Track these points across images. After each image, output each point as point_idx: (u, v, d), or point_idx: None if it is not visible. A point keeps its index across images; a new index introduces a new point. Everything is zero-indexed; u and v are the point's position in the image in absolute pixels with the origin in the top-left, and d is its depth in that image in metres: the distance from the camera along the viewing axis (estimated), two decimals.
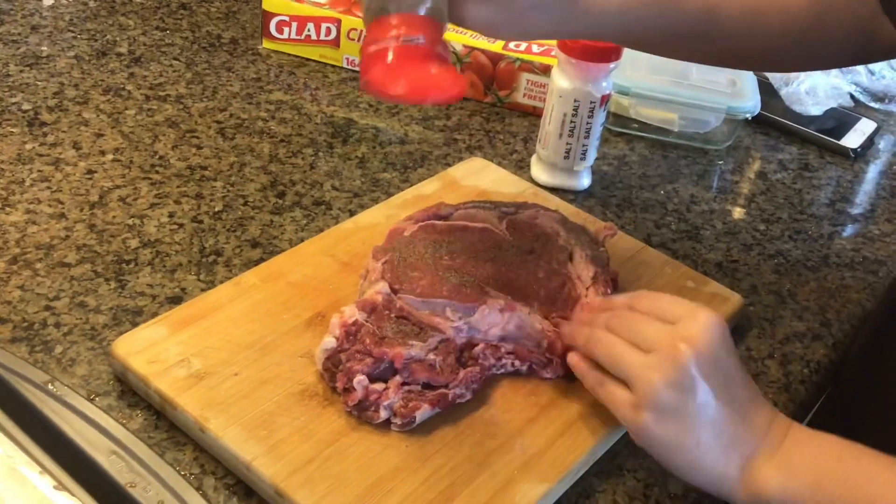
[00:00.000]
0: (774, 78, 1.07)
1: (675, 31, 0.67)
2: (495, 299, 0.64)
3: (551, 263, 0.69)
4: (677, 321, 0.57)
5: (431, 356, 0.61)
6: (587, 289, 0.68)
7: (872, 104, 1.12)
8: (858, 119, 1.07)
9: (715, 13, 0.66)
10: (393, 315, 0.62)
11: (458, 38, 0.97)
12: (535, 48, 0.97)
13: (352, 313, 0.61)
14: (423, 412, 0.59)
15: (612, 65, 0.81)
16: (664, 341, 0.56)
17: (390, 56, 0.54)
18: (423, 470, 0.57)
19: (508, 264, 0.68)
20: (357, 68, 1.00)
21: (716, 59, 0.73)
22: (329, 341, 0.60)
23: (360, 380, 0.58)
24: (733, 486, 0.55)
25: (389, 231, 0.71)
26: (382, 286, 0.64)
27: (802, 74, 1.06)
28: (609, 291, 0.68)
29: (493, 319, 0.63)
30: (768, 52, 0.71)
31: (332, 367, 0.60)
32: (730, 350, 0.57)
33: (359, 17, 0.98)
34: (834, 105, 1.07)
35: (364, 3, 0.57)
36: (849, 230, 0.91)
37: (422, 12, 0.55)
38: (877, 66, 1.13)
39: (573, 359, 0.62)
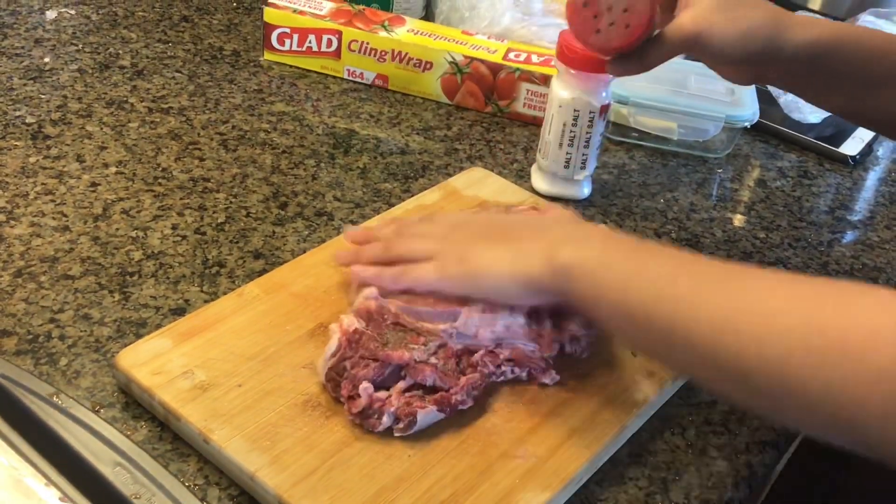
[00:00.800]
0: (772, 86, 1.07)
1: (842, 82, 0.72)
2: (476, 303, 0.65)
3: None
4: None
5: (433, 359, 0.62)
6: None
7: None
8: (857, 127, 1.07)
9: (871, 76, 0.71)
10: (389, 321, 0.63)
11: (457, 48, 0.98)
12: (534, 58, 0.98)
13: (350, 322, 0.62)
14: (426, 413, 0.59)
15: (611, 75, 0.81)
16: (448, 218, 0.69)
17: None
18: (426, 479, 0.57)
19: None
20: (358, 79, 1.01)
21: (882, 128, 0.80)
22: (332, 347, 0.61)
23: (365, 387, 0.59)
24: (541, 277, 0.60)
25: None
26: (371, 291, 0.64)
27: None
28: None
29: (476, 323, 0.64)
30: None
31: (336, 376, 0.60)
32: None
33: (360, 28, 0.99)
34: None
35: None
36: (848, 237, 0.91)
37: None
38: None
39: (357, 268, 0.66)
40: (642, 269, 0.57)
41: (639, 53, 0.70)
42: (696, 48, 0.69)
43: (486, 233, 0.65)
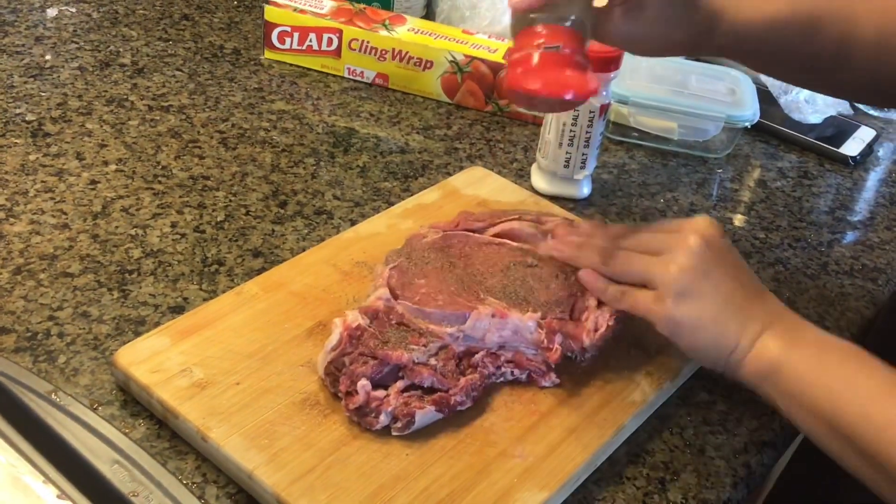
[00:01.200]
0: (773, 86, 1.07)
1: (812, 54, 0.68)
2: (486, 306, 0.65)
3: (568, 276, 0.69)
4: (677, 231, 0.63)
5: (433, 361, 0.62)
6: (601, 305, 0.67)
7: (871, 112, 1.12)
8: (857, 127, 1.07)
9: (848, 43, 0.67)
10: (393, 321, 0.63)
11: (457, 47, 0.97)
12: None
13: (354, 318, 0.62)
14: (424, 413, 0.59)
15: (611, 74, 0.81)
16: (672, 241, 0.62)
17: (534, 59, 0.61)
18: (424, 478, 0.57)
19: (520, 275, 0.68)
20: (358, 78, 1.01)
21: (850, 90, 0.76)
22: (332, 341, 0.61)
23: (363, 384, 0.59)
24: (743, 359, 0.60)
25: (409, 236, 0.72)
26: (383, 292, 0.64)
27: None
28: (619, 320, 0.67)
29: (484, 326, 0.64)
30: None
31: (335, 370, 0.60)
32: (731, 245, 0.64)
33: (360, 27, 0.99)
34: (833, 113, 1.07)
35: (512, 18, 0.63)
36: (848, 238, 0.91)
37: (566, 24, 0.62)
38: None
39: (588, 276, 0.66)
40: (852, 382, 0.57)
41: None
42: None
43: (712, 273, 0.61)
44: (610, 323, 0.65)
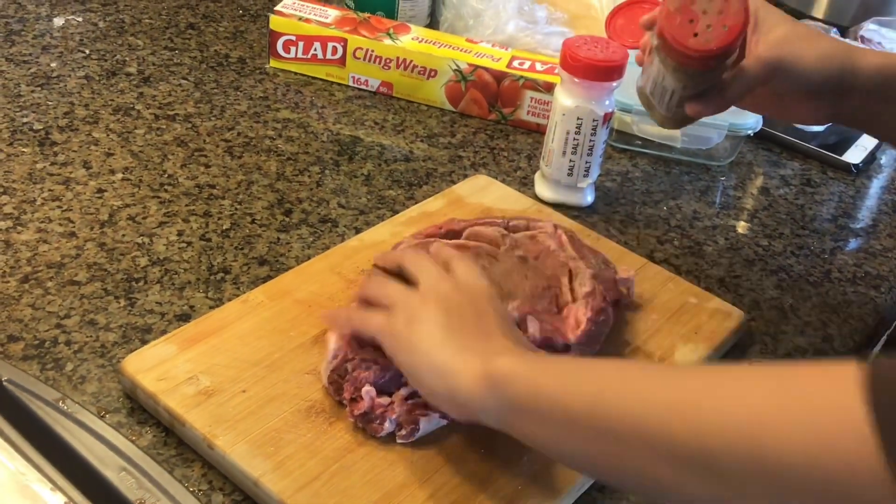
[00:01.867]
0: None
1: None
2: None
3: (544, 271, 0.70)
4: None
5: None
6: (577, 300, 0.68)
7: None
8: (860, 135, 1.07)
9: None
10: None
11: (461, 56, 0.98)
12: (538, 66, 0.98)
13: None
14: (428, 421, 0.59)
15: (614, 83, 0.82)
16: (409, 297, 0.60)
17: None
18: (429, 486, 0.57)
19: (498, 273, 0.69)
20: (363, 87, 1.02)
21: None
22: (332, 349, 0.61)
23: (367, 390, 0.59)
24: (466, 379, 0.54)
25: (394, 246, 0.72)
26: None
27: None
28: (606, 308, 0.68)
29: None
30: None
31: (339, 378, 0.61)
32: (477, 293, 0.60)
33: (365, 36, 0.99)
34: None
35: None
36: (851, 245, 0.92)
37: None
38: None
39: (324, 313, 0.66)
40: (584, 369, 0.53)
41: (719, 89, 0.70)
42: (778, 74, 0.69)
43: (451, 308, 0.58)
44: (588, 315, 0.66)
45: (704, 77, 0.69)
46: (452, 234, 0.73)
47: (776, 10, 0.72)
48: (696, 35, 0.66)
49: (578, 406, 0.49)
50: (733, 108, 0.97)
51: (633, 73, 0.83)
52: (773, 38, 0.70)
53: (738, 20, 0.66)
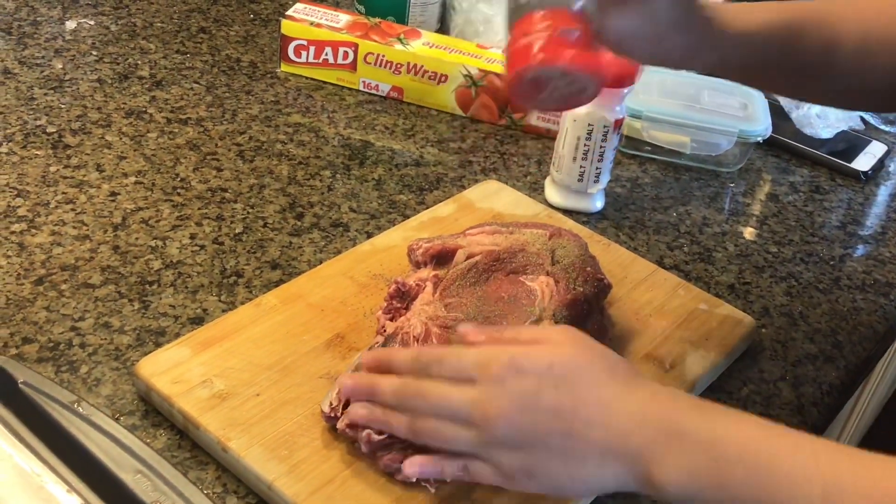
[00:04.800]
0: (785, 101, 1.08)
1: (796, 65, 0.68)
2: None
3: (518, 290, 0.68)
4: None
5: None
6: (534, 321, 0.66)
7: (883, 127, 1.13)
8: (869, 142, 1.08)
9: (833, 49, 0.67)
10: None
11: (472, 62, 0.98)
12: None
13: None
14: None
15: (625, 90, 0.82)
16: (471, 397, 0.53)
17: (546, 41, 0.53)
18: (441, 490, 0.58)
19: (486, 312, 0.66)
20: (373, 91, 1.02)
21: (835, 98, 0.75)
22: (332, 400, 0.60)
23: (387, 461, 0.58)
24: (633, 482, 0.51)
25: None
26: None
27: None
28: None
29: None
30: (884, 91, 0.71)
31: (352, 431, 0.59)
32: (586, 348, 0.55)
33: (376, 41, 1.00)
34: (844, 128, 1.08)
35: (509, 6, 0.57)
36: (860, 252, 0.92)
37: (575, 7, 0.54)
38: None
39: (412, 464, 0.55)
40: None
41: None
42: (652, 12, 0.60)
43: (539, 430, 0.51)
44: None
45: None
46: (444, 253, 0.71)
47: None
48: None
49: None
50: (743, 115, 0.97)
51: (642, 79, 0.83)
52: None
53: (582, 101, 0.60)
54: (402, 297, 0.67)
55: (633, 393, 0.52)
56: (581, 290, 0.67)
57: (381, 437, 0.56)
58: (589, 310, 0.68)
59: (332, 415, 0.59)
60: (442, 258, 0.71)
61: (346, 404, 0.59)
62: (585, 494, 0.57)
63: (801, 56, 0.67)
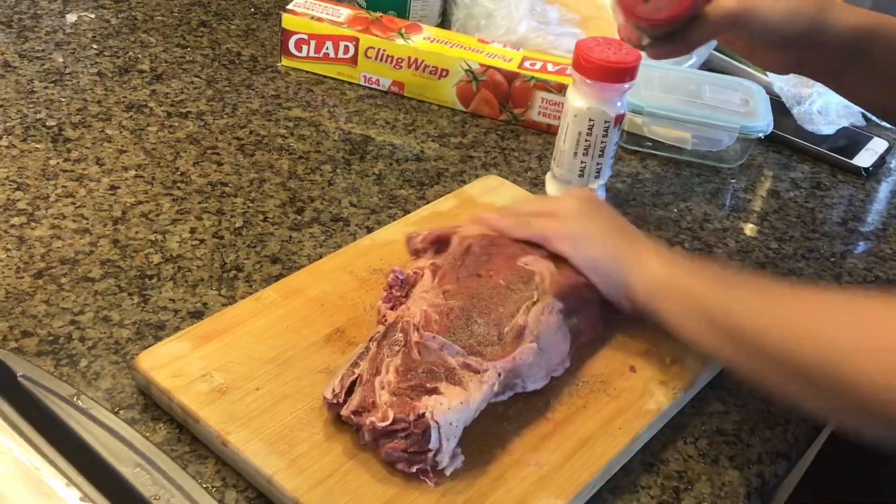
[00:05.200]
0: (787, 97, 1.08)
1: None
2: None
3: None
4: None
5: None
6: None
7: (884, 123, 1.13)
8: (870, 138, 1.07)
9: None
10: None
11: (473, 56, 0.98)
12: (550, 67, 0.98)
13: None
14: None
15: (626, 85, 0.82)
16: (558, 204, 0.74)
17: None
18: (440, 485, 0.58)
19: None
20: (374, 86, 1.02)
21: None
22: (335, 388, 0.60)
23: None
24: (631, 274, 0.67)
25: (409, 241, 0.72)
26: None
27: (814, 93, 1.07)
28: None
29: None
30: None
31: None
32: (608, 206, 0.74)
33: (377, 35, 1.00)
34: (846, 124, 1.08)
35: None
36: (861, 249, 0.92)
37: None
38: None
39: (487, 217, 0.73)
40: (741, 289, 0.64)
41: (681, 33, 0.71)
42: (740, 25, 0.71)
43: (593, 215, 0.72)
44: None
45: (657, 35, 0.73)
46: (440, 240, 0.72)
47: None
48: (646, 1, 0.70)
49: (733, 325, 0.61)
50: (744, 111, 0.97)
51: (643, 75, 0.83)
52: None
53: None
54: (401, 286, 0.67)
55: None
56: (583, 277, 0.68)
57: (385, 423, 0.56)
58: (589, 299, 0.68)
59: (336, 401, 0.59)
60: (440, 245, 0.71)
61: (349, 391, 0.59)
62: (597, 254, 0.69)
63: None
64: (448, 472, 0.57)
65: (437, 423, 0.56)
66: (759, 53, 0.76)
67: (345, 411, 0.58)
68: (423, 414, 0.56)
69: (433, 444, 0.56)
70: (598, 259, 0.69)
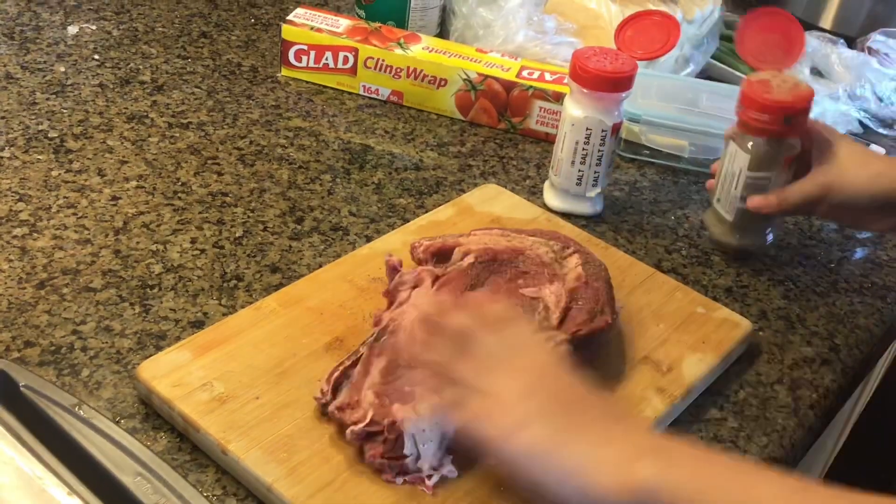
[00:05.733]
0: None
1: None
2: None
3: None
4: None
5: None
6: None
7: (881, 130, 1.13)
8: (868, 145, 1.08)
9: None
10: None
11: (471, 66, 0.99)
12: (547, 76, 0.99)
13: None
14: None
15: (623, 94, 0.83)
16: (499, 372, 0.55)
17: None
18: (441, 492, 0.58)
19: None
20: (373, 96, 1.03)
21: None
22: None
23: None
24: (607, 485, 0.50)
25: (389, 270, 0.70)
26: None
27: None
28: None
29: None
30: None
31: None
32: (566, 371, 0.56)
33: (376, 45, 1.00)
34: (843, 132, 1.08)
35: None
36: (857, 255, 0.92)
37: None
38: (885, 92, 1.14)
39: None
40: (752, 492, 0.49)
41: (779, 191, 0.80)
42: (831, 192, 0.78)
43: (552, 404, 0.54)
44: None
45: (770, 151, 0.80)
46: (443, 251, 0.72)
47: (842, 135, 0.81)
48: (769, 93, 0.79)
49: None
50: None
51: (641, 83, 0.84)
52: (828, 159, 0.79)
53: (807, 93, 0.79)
54: (392, 272, 0.68)
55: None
56: (606, 317, 0.67)
57: (363, 424, 0.58)
58: (606, 331, 0.68)
59: (324, 400, 0.60)
60: (442, 256, 0.72)
61: (335, 389, 0.61)
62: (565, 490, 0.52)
63: None
64: (431, 483, 0.58)
65: (408, 429, 0.57)
66: (859, 217, 0.82)
67: (331, 407, 0.60)
68: (395, 421, 0.57)
69: (408, 451, 0.58)
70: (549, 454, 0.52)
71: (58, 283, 0.72)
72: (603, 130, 0.84)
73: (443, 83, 1.00)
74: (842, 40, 1.18)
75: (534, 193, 0.92)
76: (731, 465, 0.52)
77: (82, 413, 0.61)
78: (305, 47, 1.02)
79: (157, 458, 0.59)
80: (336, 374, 0.61)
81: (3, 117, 0.90)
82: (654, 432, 0.57)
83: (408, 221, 0.83)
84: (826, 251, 0.91)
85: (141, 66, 1.02)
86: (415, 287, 0.67)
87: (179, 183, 0.85)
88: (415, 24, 1.10)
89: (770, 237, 0.87)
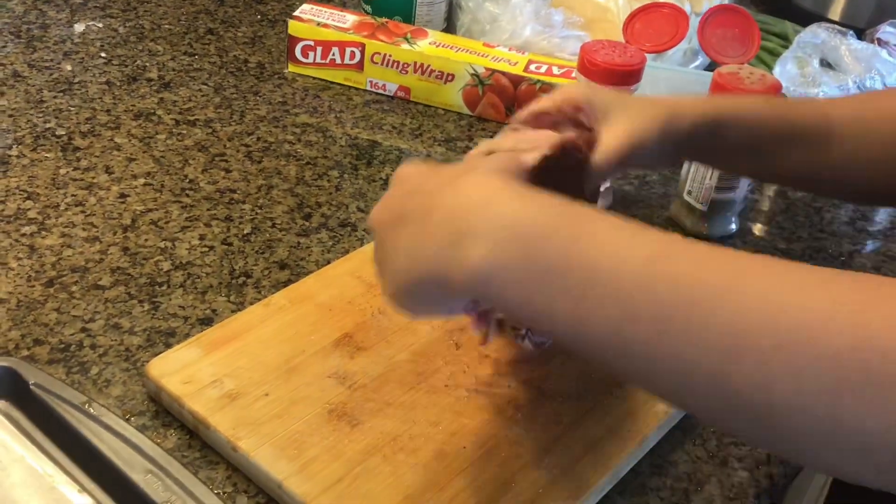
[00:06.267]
0: (793, 95, 1.07)
1: (794, 137, 0.69)
2: None
3: None
4: None
5: None
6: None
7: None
8: None
9: (829, 119, 0.70)
10: None
11: (478, 60, 0.99)
12: (555, 70, 0.99)
13: None
14: None
15: (632, 87, 0.82)
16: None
17: None
18: (450, 489, 0.58)
19: None
20: (380, 91, 1.02)
21: (832, 180, 0.73)
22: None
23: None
24: (449, 267, 0.46)
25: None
26: None
27: (820, 93, 1.06)
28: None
29: None
30: (882, 166, 0.70)
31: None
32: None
33: (382, 40, 1.00)
34: None
35: None
36: (869, 248, 0.92)
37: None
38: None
39: None
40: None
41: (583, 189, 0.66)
42: (633, 159, 0.65)
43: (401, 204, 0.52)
44: None
45: None
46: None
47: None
48: None
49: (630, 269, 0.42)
50: None
51: (649, 76, 0.83)
52: (619, 121, 0.65)
53: None
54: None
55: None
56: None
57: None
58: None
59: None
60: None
61: None
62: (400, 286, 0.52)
63: (799, 127, 0.70)
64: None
65: None
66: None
67: None
68: None
69: None
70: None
71: (66, 280, 0.72)
72: None
73: (450, 78, 1.00)
74: (851, 32, 1.17)
75: None
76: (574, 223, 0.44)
77: (92, 411, 0.61)
78: (312, 43, 1.01)
79: (167, 455, 0.59)
80: None
81: (10, 116, 0.90)
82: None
83: None
84: (837, 244, 0.91)
85: (148, 64, 1.02)
86: None
87: (187, 180, 0.85)
88: (421, 18, 1.09)
89: (734, 226, 0.89)
